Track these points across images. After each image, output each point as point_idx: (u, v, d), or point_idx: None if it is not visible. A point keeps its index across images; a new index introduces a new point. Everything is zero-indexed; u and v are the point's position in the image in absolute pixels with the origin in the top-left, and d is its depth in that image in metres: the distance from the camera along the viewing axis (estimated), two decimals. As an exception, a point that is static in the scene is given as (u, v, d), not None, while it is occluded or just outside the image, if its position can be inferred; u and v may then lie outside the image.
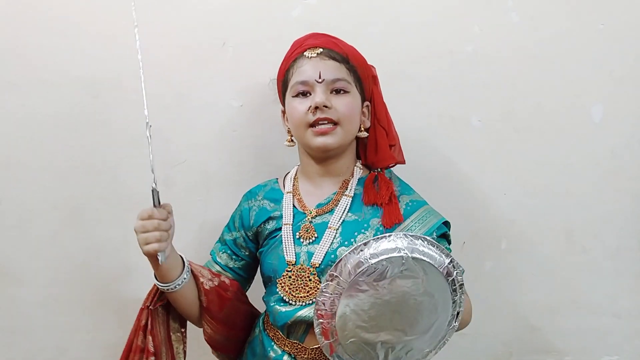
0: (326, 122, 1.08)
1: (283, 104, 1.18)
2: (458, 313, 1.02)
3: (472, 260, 1.38)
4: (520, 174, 1.42)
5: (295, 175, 1.19)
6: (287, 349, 1.11)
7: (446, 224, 1.15)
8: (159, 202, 1.02)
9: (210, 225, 1.31)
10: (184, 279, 1.07)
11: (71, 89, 1.35)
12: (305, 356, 1.09)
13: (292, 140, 1.16)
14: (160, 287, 1.07)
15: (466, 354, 1.47)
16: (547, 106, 1.40)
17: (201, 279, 1.10)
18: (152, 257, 1.02)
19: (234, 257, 1.19)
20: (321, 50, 1.11)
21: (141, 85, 1.01)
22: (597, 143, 1.41)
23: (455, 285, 0.99)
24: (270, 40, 1.34)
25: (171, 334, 1.14)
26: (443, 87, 1.39)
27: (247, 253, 1.19)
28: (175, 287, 1.06)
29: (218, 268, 1.19)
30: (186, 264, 1.09)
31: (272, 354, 1.12)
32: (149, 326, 1.09)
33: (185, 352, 1.16)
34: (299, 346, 1.10)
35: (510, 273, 1.45)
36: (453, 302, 1.00)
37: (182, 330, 1.16)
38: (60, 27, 1.34)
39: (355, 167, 1.17)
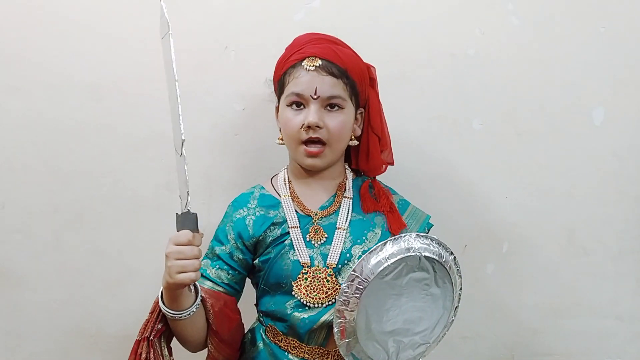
0: (316, 140, 1.09)
1: (278, 100, 1.17)
2: (456, 307, 1.08)
3: (473, 263, 1.38)
4: (521, 177, 1.42)
5: (288, 178, 1.18)
6: (307, 356, 1.10)
7: (429, 219, 1.20)
8: (197, 227, 0.93)
9: (212, 228, 1.31)
10: (197, 304, 1.00)
11: (74, 93, 1.35)
12: None
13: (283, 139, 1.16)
14: (171, 315, 0.99)
15: (468, 357, 1.47)
16: (548, 109, 1.40)
17: (209, 301, 1.04)
18: (181, 286, 0.96)
19: (231, 271, 1.12)
20: (320, 62, 1.08)
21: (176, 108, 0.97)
22: (598, 145, 1.41)
23: (455, 280, 1.07)
24: (272, 43, 1.34)
25: None
26: (444, 90, 1.39)
27: (242, 265, 1.13)
28: (189, 314, 0.99)
29: (210, 284, 1.10)
30: (199, 288, 1.02)
31: None
32: (152, 357, 1.01)
33: None
34: (321, 351, 1.10)
35: (512, 276, 1.45)
36: (453, 297, 1.07)
37: (171, 357, 1.08)
38: (64, 31, 1.34)
39: (346, 171, 1.19)
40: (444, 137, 1.40)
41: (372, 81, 1.17)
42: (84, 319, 1.42)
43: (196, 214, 0.94)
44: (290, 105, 1.10)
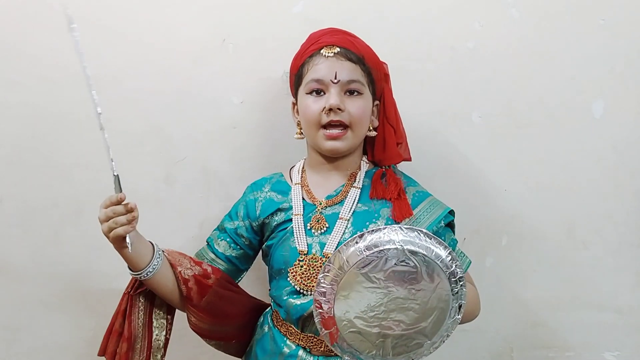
0: (338, 124, 1.10)
1: (294, 96, 1.19)
2: (460, 305, 1.02)
3: (473, 256, 1.37)
4: (521, 170, 1.42)
5: (303, 167, 1.20)
6: (301, 343, 1.11)
7: (451, 212, 1.18)
8: (120, 189, 1.02)
9: (211, 221, 1.31)
10: (155, 265, 1.07)
11: (72, 87, 1.35)
12: (322, 349, 1.10)
13: (301, 133, 1.18)
14: (132, 275, 1.08)
15: (467, 350, 1.47)
16: (547, 102, 1.40)
17: (179, 268, 1.10)
18: (117, 243, 1.02)
19: (232, 245, 1.19)
20: (338, 49, 1.11)
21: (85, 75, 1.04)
22: (598, 139, 1.41)
23: (454, 277, 1.00)
24: (270, 36, 1.34)
25: (153, 319, 1.14)
26: (444, 83, 1.39)
27: (247, 243, 1.19)
28: (147, 274, 1.06)
29: (213, 256, 1.19)
30: (156, 250, 1.08)
31: (286, 350, 1.12)
32: (127, 311, 1.11)
33: (167, 340, 1.16)
34: (315, 339, 1.11)
35: (511, 269, 1.45)
36: (453, 295, 1.01)
37: (168, 317, 1.16)
38: (62, 24, 1.33)
39: (362, 161, 1.19)
40: (443, 131, 1.40)
41: (386, 77, 1.20)
42: (83, 313, 1.42)
43: (116, 176, 1.02)
44: (310, 93, 1.12)
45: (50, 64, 1.34)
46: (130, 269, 1.07)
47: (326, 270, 0.99)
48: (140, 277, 1.07)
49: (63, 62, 1.34)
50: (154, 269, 1.07)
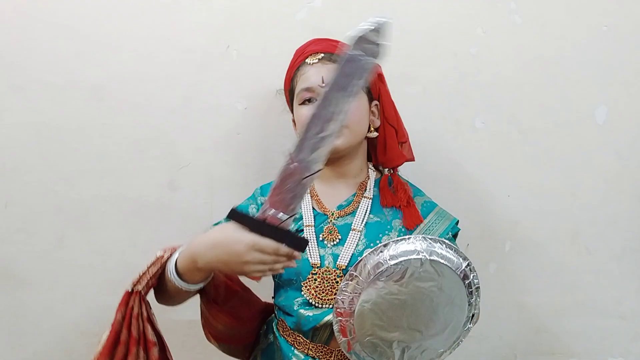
0: None
1: (292, 112, 1.19)
2: (473, 315, 1.04)
3: (476, 262, 1.36)
4: (524, 176, 1.42)
5: None
6: (310, 352, 1.10)
7: (457, 223, 1.19)
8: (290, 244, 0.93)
9: (215, 228, 1.32)
10: (209, 279, 1.02)
11: (77, 93, 1.36)
12: (332, 358, 1.10)
13: None
14: (184, 288, 0.99)
15: (471, 356, 1.46)
16: (550, 108, 1.40)
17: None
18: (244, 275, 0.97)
19: None
20: (322, 55, 1.12)
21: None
22: (601, 145, 1.41)
23: (471, 287, 1.02)
24: (274, 43, 1.35)
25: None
26: (447, 89, 1.39)
27: None
28: (201, 286, 1.01)
29: None
30: None
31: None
32: (145, 313, 1.00)
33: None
34: (324, 349, 1.10)
35: (515, 275, 1.45)
36: (469, 304, 1.02)
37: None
38: (66, 31, 1.35)
39: (369, 170, 1.19)
40: (446, 136, 1.40)
41: (380, 76, 1.19)
42: (87, 318, 1.42)
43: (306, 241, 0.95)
44: (302, 103, 1.13)
45: (54, 71, 1.35)
46: (182, 280, 0.98)
47: (349, 279, 0.99)
48: (191, 289, 1.00)
49: (67, 68, 1.35)
50: (207, 280, 1.01)
